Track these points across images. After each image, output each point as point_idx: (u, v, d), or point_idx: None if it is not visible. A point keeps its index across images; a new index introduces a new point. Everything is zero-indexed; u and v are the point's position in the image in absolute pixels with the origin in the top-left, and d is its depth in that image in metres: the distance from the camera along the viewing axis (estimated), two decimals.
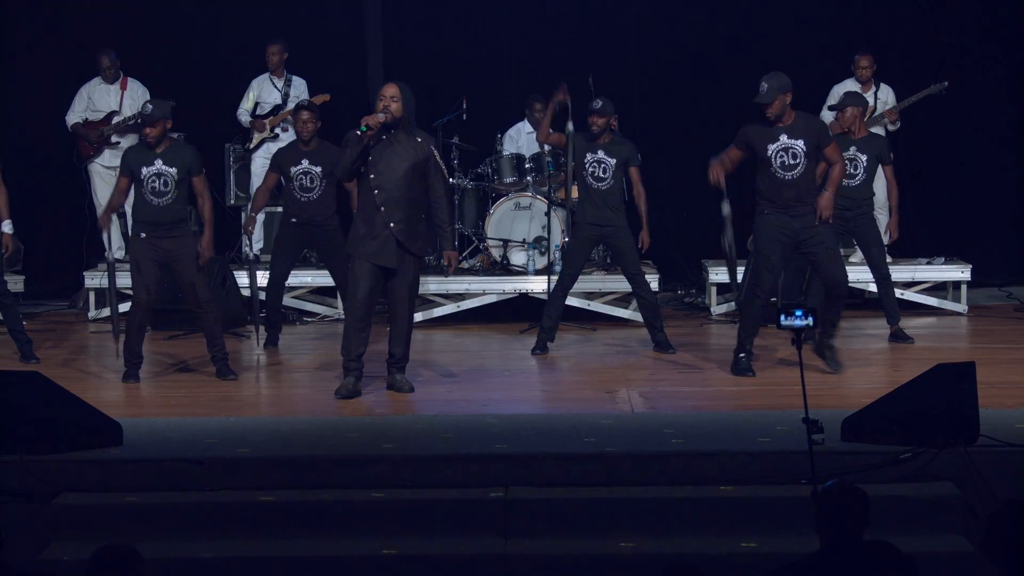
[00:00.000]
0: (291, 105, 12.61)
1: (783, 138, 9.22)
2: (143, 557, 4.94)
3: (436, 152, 8.83)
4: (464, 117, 12.47)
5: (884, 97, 12.32)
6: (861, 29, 13.30)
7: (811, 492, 6.31)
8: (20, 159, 12.87)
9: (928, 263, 12.42)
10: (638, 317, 11.67)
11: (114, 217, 12.80)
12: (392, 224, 8.71)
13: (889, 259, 12.17)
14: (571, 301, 11.78)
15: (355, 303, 8.87)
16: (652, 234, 10.88)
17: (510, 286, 12.00)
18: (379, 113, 8.75)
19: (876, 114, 12.16)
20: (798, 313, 6.39)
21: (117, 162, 12.58)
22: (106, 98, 12.68)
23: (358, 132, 8.71)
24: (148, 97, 12.65)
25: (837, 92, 12.18)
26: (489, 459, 7.05)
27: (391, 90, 8.79)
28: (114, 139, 12.63)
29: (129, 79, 12.74)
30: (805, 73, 12.93)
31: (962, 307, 12.16)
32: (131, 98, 12.67)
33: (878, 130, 11.97)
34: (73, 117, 12.67)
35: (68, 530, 6.67)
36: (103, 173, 12.68)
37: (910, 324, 11.37)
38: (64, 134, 12.79)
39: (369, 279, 8.78)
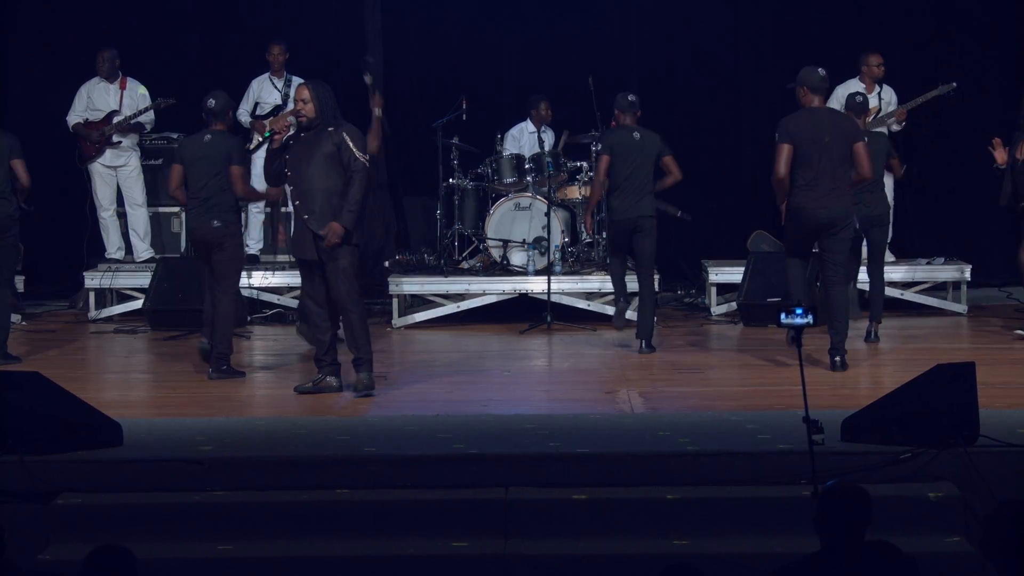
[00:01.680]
0: (292, 105, 12.61)
1: None
2: (137, 558, 4.94)
3: (348, 137, 8.66)
4: (464, 117, 12.46)
5: (887, 97, 12.32)
6: (862, 30, 13.31)
7: (811, 492, 6.31)
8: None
9: (928, 263, 12.42)
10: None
11: (115, 217, 12.85)
12: (305, 216, 8.69)
13: (891, 258, 12.20)
14: (571, 301, 11.81)
15: (301, 301, 8.91)
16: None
17: (510, 286, 12.00)
18: (289, 117, 8.77)
19: (881, 115, 12.16)
20: (798, 311, 6.40)
21: (119, 162, 12.67)
22: (105, 97, 12.67)
23: (260, 138, 8.72)
24: (148, 97, 12.66)
25: (840, 94, 12.17)
26: (489, 459, 7.04)
27: (302, 93, 8.77)
28: (115, 138, 12.63)
29: (128, 79, 12.73)
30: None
31: (962, 307, 12.16)
32: (130, 97, 12.67)
33: (882, 131, 12.03)
34: (74, 117, 12.66)
35: (68, 530, 6.67)
36: (103, 173, 12.68)
37: (910, 324, 11.39)
38: (63, 135, 12.79)
39: (306, 277, 8.85)
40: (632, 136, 10.47)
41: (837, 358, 9.42)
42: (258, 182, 12.59)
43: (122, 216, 12.89)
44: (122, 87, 12.70)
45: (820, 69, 9.51)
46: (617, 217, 10.43)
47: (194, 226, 9.82)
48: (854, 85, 12.22)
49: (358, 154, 8.64)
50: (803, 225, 9.37)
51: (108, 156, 12.64)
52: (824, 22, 13.47)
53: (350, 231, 8.61)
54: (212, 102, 9.73)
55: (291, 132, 8.84)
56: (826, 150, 9.28)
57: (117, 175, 12.71)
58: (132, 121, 12.56)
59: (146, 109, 12.59)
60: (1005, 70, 13.56)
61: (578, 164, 12.29)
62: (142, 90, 12.69)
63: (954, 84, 12.07)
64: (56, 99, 12.99)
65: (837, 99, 12.18)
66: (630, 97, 10.58)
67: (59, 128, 12.76)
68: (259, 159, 12.53)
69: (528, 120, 12.89)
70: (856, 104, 10.67)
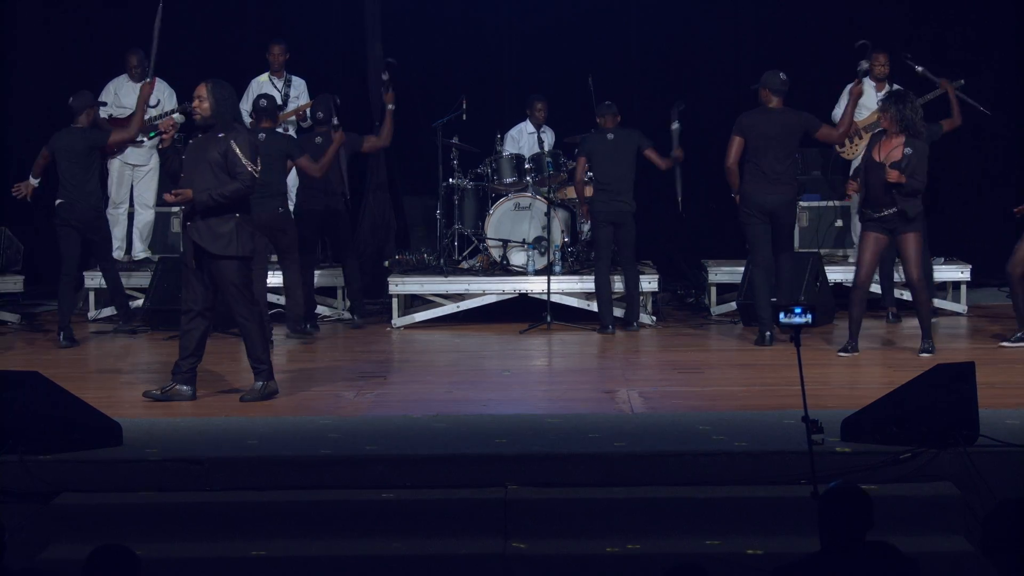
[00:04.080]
0: (291, 106, 12.63)
1: None
2: (139, 557, 4.94)
3: (236, 145, 8.40)
4: (464, 117, 12.46)
5: None
6: (868, 29, 13.28)
7: (811, 492, 6.32)
8: (23, 158, 12.90)
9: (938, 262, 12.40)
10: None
11: (124, 216, 12.84)
12: (188, 223, 8.52)
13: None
14: (571, 301, 11.81)
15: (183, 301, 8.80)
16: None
17: (510, 286, 11.99)
18: (174, 115, 8.64)
19: None
20: (797, 311, 6.40)
21: (139, 160, 12.70)
22: (132, 95, 12.65)
23: (146, 138, 8.61)
24: (174, 97, 12.67)
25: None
26: (489, 459, 7.04)
27: (200, 90, 8.57)
28: (139, 137, 12.61)
29: (157, 79, 12.71)
30: (804, 74, 12.96)
31: (962, 307, 12.16)
32: (157, 97, 12.66)
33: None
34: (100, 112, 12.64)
35: (68, 530, 6.67)
36: (122, 170, 12.67)
37: (910, 324, 11.38)
38: None
39: (189, 281, 8.67)
40: (606, 138, 11.49)
41: (767, 333, 10.55)
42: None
43: (129, 216, 12.89)
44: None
45: (781, 73, 10.65)
46: (597, 209, 11.46)
47: (257, 212, 10.44)
48: (863, 83, 12.21)
49: (245, 163, 8.40)
50: (753, 211, 10.57)
51: (130, 154, 12.63)
52: (825, 18, 13.46)
53: (201, 209, 8.38)
54: (263, 102, 11.30)
55: (176, 132, 8.61)
56: (773, 145, 10.52)
57: (134, 174, 12.73)
58: (157, 122, 12.53)
59: (172, 111, 12.57)
60: (1006, 70, 13.56)
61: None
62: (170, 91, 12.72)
63: (962, 81, 12.05)
64: (59, 97, 12.99)
65: (846, 96, 12.20)
66: (606, 102, 11.63)
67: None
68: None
69: (527, 120, 12.89)
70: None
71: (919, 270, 10.02)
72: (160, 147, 8.64)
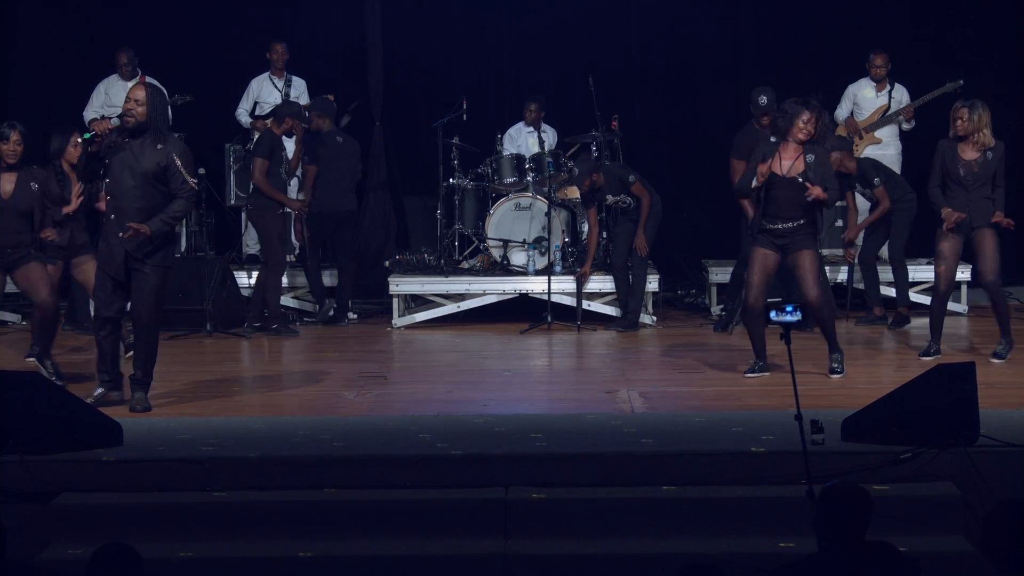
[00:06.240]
0: None
1: None
2: (142, 557, 4.94)
3: (179, 159, 8.11)
4: (464, 117, 12.45)
5: (899, 96, 12.34)
6: (869, 29, 13.30)
7: (806, 492, 6.32)
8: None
9: (928, 263, 12.38)
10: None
11: None
12: (120, 234, 8.12)
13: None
14: (571, 301, 11.80)
15: (95, 313, 8.45)
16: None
17: (510, 286, 11.99)
18: (113, 118, 8.51)
19: (890, 112, 12.17)
20: (788, 309, 6.42)
21: None
22: (122, 95, 12.60)
23: (80, 139, 8.44)
24: (166, 96, 12.63)
25: (851, 92, 12.20)
26: (489, 459, 7.05)
27: (137, 93, 8.22)
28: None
29: (147, 77, 12.70)
30: (804, 74, 12.95)
31: (962, 307, 12.16)
32: None
33: (892, 128, 12.07)
34: (91, 113, 12.62)
35: (68, 530, 6.67)
36: None
37: (910, 324, 11.39)
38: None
39: (105, 288, 8.27)
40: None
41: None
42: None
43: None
44: None
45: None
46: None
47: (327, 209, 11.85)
48: (865, 84, 12.25)
49: (188, 179, 8.16)
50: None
51: None
52: (825, 18, 13.47)
53: (158, 243, 8.11)
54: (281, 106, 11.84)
55: (112, 137, 8.40)
56: None
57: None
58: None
59: (110, 116, 12.53)
60: (1006, 71, 13.56)
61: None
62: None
63: (961, 81, 12.07)
64: (56, 96, 12.98)
65: (848, 97, 12.24)
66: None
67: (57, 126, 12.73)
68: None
69: (524, 120, 12.90)
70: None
71: (818, 288, 9.07)
72: (90, 149, 8.44)
